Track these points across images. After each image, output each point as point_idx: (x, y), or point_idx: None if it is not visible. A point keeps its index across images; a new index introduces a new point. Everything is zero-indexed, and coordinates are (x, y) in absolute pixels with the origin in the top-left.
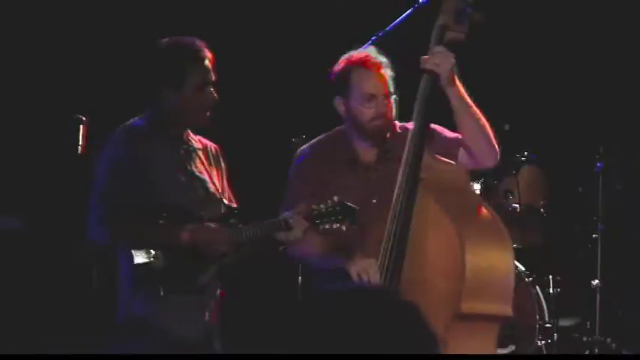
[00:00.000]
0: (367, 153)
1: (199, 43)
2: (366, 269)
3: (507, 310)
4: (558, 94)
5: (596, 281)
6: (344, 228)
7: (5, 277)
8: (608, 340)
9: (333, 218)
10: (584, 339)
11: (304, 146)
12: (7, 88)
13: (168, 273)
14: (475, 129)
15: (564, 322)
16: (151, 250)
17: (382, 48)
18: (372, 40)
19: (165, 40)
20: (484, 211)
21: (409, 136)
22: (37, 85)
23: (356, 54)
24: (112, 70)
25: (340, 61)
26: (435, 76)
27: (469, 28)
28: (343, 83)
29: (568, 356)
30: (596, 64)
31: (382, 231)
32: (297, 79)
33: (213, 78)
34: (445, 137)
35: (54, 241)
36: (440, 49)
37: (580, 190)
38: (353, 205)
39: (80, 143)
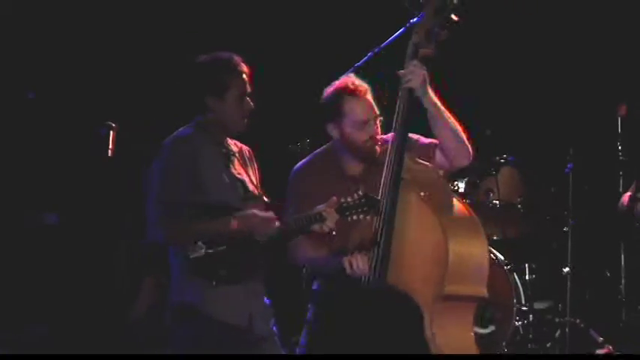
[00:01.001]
0: (354, 167)
1: (237, 58)
2: (357, 258)
3: (483, 291)
4: (534, 103)
5: (567, 269)
6: (369, 218)
7: (45, 264)
8: (578, 320)
9: (359, 210)
10: (557, 320)
11: (299, 163)
12: (47, 99)
13: (219, 265)
14: (449, 131)
15: (539, 305)
16: (203, 246)
17: (378, 63)
18: (369, 57)
19: (207, 55)
20: (459, 204)
21: (391, 142)
22: (72, 96)
23: (343, 82)
24: (141, 81)
25: (328, 89)
26: (410, 90)
27: (437, 45)
28: (335, 111)
29: (568, 356)
30: (565, 78)
31: (365, 231)
32: (298, 87)
33: (250, 89)
34: (422, 143)
35: (87, 234)
36: (414, 63)
37: (552, 189)
38: (376, 197)
39: (110, 147)
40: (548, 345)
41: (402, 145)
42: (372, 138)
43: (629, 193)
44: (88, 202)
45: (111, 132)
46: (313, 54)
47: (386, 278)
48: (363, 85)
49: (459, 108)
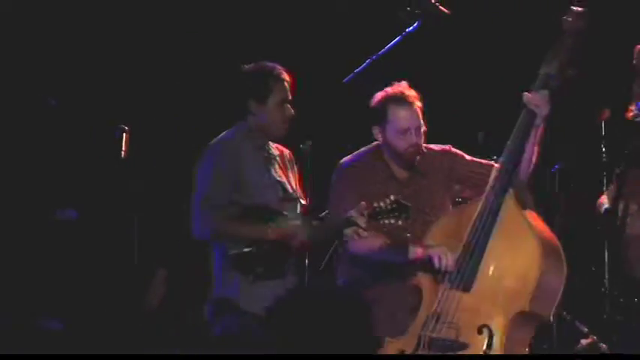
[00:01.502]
0: (400, 171)
1: (280, 67)
2: (445, 253)
3: (551, 315)
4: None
5: None
6: (400, 223)
7: (65, 256)
8: (564, 312)
9: (391, 215)
10: None
11: (346, 158)
12: (68, 106)
13: (256, 262)
14: (534, 161)
15: None
16: (242, 244)
17: (377, 70)
18: (368, 63)
19: (252, 64)
20: (549, 231)
21: (504, 155)
22: (89, 102)
23: (393, 88)
24: (153, 88)
25: (378, 94)
26: (534, 115)
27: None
28: (381, 115)
29: (568, 356)
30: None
31: (418, 232)
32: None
33: (290, 97)
34: (475, 162)
35: (103, 229)
36: (544, 92)
37: (541, 187)
38: (408, 204)
39: (123, 149)
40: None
41: (514, 161)
42: (413, 146)
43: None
44: (103, 199)
45: (124, 134)
46: (315, 59)
47: (472, 284)
48: (411, 93)
49: (453, 112)
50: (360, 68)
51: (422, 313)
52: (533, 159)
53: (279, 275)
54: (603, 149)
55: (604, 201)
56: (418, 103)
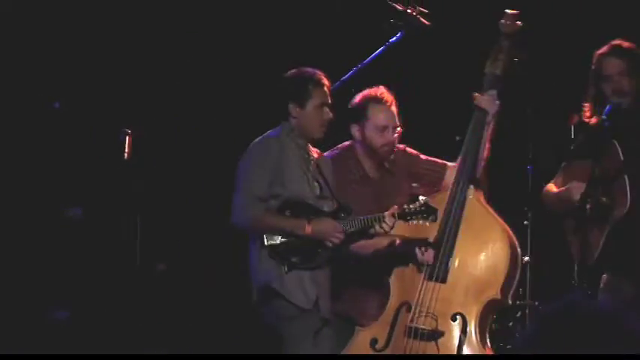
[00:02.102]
0: (372, 170)
1: (320, 72)
2: (426, 247)
3: (510, 299)
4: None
5: (527, 258)
6: (427, 224)
7: (71, 250)
8: (536, 302)
9: (420, 216)
10: (517, 302)
11: (325, 155)
12: (74, 109)
13: (291, 253)
14: (482, 158)
15: None
16: (279, 235)
17: (361, 78)
18: (354, 71)
19: (294, 69)
20: (500, 219)
21: (461, 157)
22: (95, 106)
23: (372, 90)
24: (155, 93)
25: (358, 95)
26: (485, 113)
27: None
28: (361, 114)
29: (567, 356)
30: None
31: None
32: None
33: (330, 100)
34: (433, 161)
35: (107, 226)
36: (492, 92)
37: (514, 186)
38: (435, 206)
39: (126, 150)
40: (510, 324)
41: (475, 162)
42: (389, 143)
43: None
44: (108, 197)
45: (127, 137)
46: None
47: (447, 276)
48: (389, 96)
49: (430, 116)
50: (346, 76)
51: (392, 303)
52: (485, 155)
53: (312, 265)
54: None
55: (550, 188)
56: (394, 106)
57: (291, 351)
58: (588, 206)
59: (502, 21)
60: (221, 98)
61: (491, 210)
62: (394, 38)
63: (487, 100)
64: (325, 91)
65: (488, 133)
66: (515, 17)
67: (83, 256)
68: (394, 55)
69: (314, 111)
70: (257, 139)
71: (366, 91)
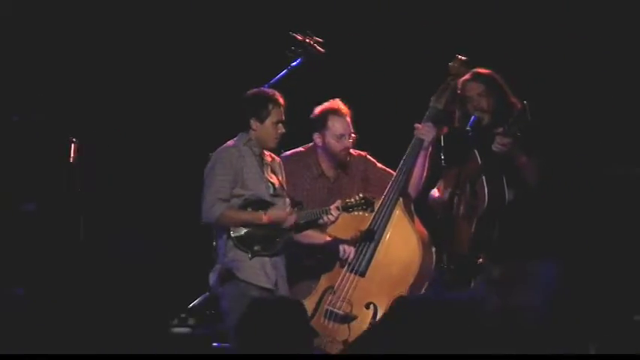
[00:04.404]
0: (329, 170)
1: (278, 93)
2: (349, 245)
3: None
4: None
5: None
6: (366, 214)
7: (25, 241)
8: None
9: (359, 207)
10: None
11: (286, 152)
12: (30, 122)
13: (254, 242)
14: (422, 178)
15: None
16: (243, 227)
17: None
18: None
19: (256, 89)
20: (423, 229)
21: (399, 168)
22: (49, 117)
23: (331, 103)
24: (105, 103)
25: (318, 107)
26: (421, 141)
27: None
28: (322, 124)
29: (565, 356)
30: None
31: (359, 230)
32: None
33: (284, 118)
34: (386, 172)
35: (56, 218)
36: (429, 124)
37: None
38: (372, 198)
39: (72, 156)
40: None
41: (405, 178)
42: (346, 149)
43: (437, 188)
44: (58, 194)
45: (72, 145)
46: (217, 86)
47: (367, 270)
48: (345, 107)
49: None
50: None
51: (320, 287)
52: (424, 174)
53: (273, 252)
54: (442, 156)
55: (435, 193)
56: (349, 116)
57: None
58: (455, 203)
59: (451, 63)
60: (167, 110)
61: (414, 220)
62: (295, 63)
63: (425, 130)
64: (282, 110)
65: (425, 157)
66: (463, 62)
67: (36, 244)
68: (294, 77)
69: (271, 126)
70: (219, 149)
71: (326, 104)
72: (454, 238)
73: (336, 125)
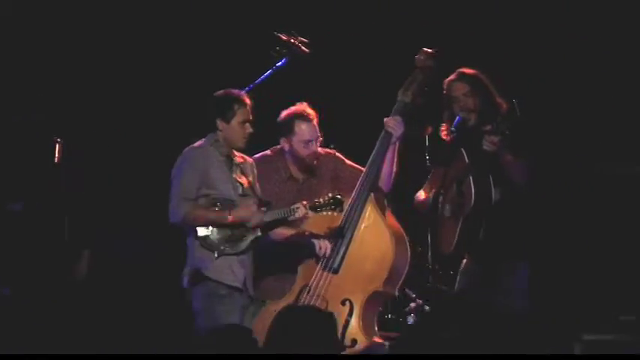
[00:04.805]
0: (297, 173)
1: (244, 93)
2: (325, 243)
3: (396, 292)
4: None
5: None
6: (335, 214)
7: (11, 240)
8: (444, 287)
9: (328, 207)
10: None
11: (255, 155)
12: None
13: (220, 242)
14: (391, 174)
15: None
16: (209, 227)
17: (254, 93)
18: (248, 89)
19: (222, 90)
20: (399, 227)
21: (367, 166)
22: (35, 119)
23: (297, 107)
24: (90, 103)
25: (284, 111)
26: (390, 135)
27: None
28: (288, 129)
29: (563, 356)
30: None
31: (333, 227)
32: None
33: (251, 118)
34: (357, 170)
35: (42, 218)
36: (398, 118)
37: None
38: (341, 198)
39: (56, 156)
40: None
41: (375, 172)
42: (313, 154)
43: (423, 190)
44: (44, 193)
45: (57, 145)
46: (204, 88)
47: (340, 267)
48: (312, 111)
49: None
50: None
51: (296, 286)
52: (394, 169)
53: (240, 251)
54: (427, 156)
55: (421, 195)
56: (316, 119)
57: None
58: (440, 203)
59: (418, 56)
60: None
61: (387, 215)
62: (280, 63)
63: (394, 124)
64: (248, 110)
65: (394, 151)
66: (429, 54)
67: (23, 242)
68: (280, 77)
69: (237, 126)
70: (185, 150)
71: (292, 108)
72: (439, 238)
73: (303, 130)
